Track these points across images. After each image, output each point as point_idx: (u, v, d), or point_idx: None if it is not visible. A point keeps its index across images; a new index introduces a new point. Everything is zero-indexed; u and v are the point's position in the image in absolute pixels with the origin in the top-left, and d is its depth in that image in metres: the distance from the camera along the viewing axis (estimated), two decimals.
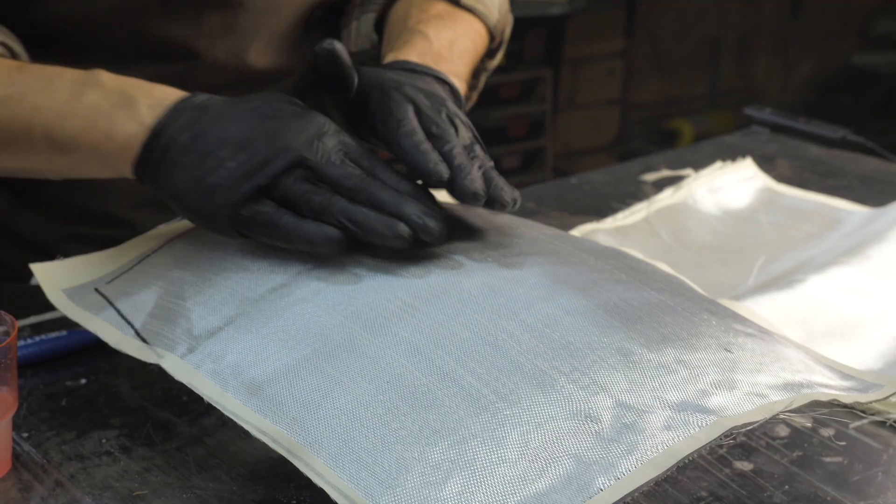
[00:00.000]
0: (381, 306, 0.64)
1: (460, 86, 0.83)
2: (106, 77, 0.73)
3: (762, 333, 0.66)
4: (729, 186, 1.14)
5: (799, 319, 0.82)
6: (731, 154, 1.22)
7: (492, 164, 0.72)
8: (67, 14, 0.85)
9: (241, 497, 0.65)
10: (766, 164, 1.24)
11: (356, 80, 0.74)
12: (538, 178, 3.18)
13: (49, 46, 0.86)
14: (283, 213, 0.66)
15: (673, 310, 0.65)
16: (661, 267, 0.79)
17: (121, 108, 0.71)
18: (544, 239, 0.74)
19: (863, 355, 0.80)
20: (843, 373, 0.66)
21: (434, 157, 0.69)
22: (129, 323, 0.69)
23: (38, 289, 0.76)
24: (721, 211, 1.10)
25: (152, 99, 0.71)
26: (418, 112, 0.72)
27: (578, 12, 3.24)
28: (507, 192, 0.69)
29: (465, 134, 0.73)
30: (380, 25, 0.98)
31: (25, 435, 0.71)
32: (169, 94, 0.71)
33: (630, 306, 0.64)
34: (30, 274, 0.76)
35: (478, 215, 0.77)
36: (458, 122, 0.73)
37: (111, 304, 0.72)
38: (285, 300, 0.66)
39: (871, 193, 1.15)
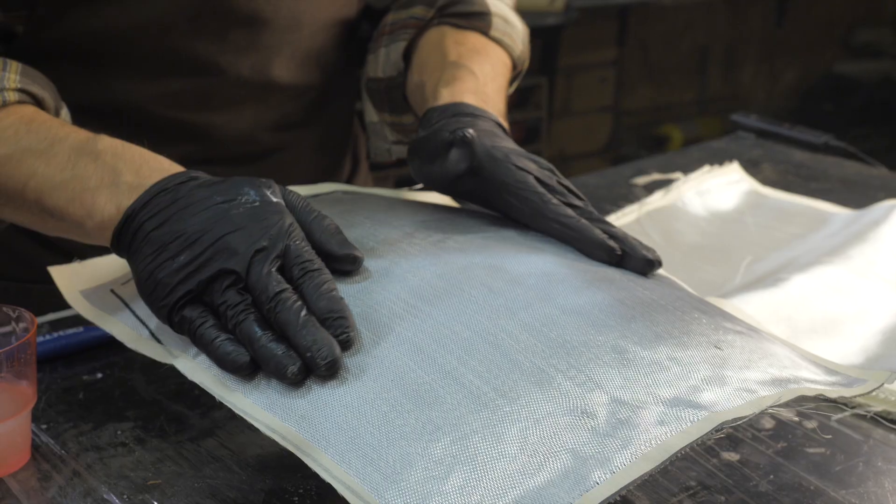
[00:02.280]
0: (384, 307, 0.63)
1: (505, 125, 0.82)
2: (104, 145, 0.70)
3: (750, 331, 0.66)
4: (716, 189, 1.14)
5: (784, 316, 0.82)
6: (719, 158, 1.22)
7: (587, 204, 0.74)
8: (98, 29, 0.84)
9: (250, 486, 0.65)
10: (752, 168, 1.24)
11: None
12: None
13: (78, 61, 0.86)
14: (205, 326, 0.62)
15: (665, 309, 0.65)
16: None
17: (105, 188, 0.68)
18: (540, 240, 0.73)
19: (845, 351, 0.79)
20: (828, 368, 0.65)
21: (599, 232, 0.70)
22: (143, 324, 0.69)
23: None
24: (709, 213, 1.10)
25: (137, 177, 0.67)
26: (540, 182, 0.73)
27: (572, 23, 3.24)
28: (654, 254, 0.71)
29: (568, 186, 0.74)
30: (407, 53, 0.96)
31: (44, 427, 0.71)
32: (153, 173, 0.67)
33: (624, 305, 0.64)
34: None
35: (475, 218, 0.76)
36: (566, 183, 0.74)
37: (126, 304, 0.71)
38: None
39: (852, 196, 1.15)
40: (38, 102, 0.77)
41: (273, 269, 0.62)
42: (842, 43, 4.26)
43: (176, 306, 0.62)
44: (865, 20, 4.29)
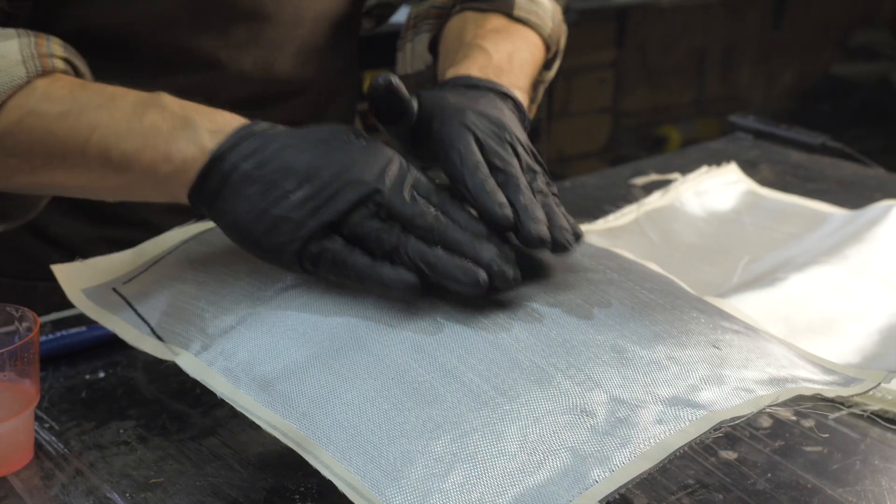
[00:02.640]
0: (385, 306, 0.63)
1: (522, 98, 0.79)
2: (168, 100, 0.68)
3: (748, 330, 0.66)
4: (714, 190, 1.14)
5: (781, 316, 0.82)
6: (717, 159, 1.22)
7: (554, 191, 0.68)
8: (101, 24, 0.84)
9: (251, 485, 0.65)
10: (750, 168, 1.24)
11: (416, 110, 0.68)
12: None
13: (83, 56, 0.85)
14: (354, 252, 0.60)
15: (663, 308, 0.65)
16: (651, 267, 0.78)
17: (181, 131, 0.65)
18: None
19: (842, 350, 0.79)
20: (826, 367, 0.65)
21: (499, 197, 0.63)
22: (145, 321, 0.69)
23: None
24: (707, 213, 1.10)
25: (214, 124, 0.66)
26: (479, 143, 0.66)
27: (571, 25, 3.22)
28: (569, 234, 0.63)
29: (528, 162, 0.67)
30: (434, 46, 0.94)
31: (47, 425, 0.71)
32: (230, 121, 0.66)
33: (623, 305, 0.64)
34: None
35: None
36: (519, 149, 0.68)
37: (128, 303, 0.71)
38: (295, 300, 0.65)
39: (849, 196, 1.15)
40: (79, 75, 0.76)
41: (418, 196, 0.61)
42: (839, 45, 4.25)
43: (309, 241, 0.60)
44: (862, 22, 4.29)
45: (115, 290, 0.73)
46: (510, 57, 0.84)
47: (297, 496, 0.63)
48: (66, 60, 0.74)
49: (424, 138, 0.68)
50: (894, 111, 4.13)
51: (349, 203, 0.60)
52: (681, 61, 3.86)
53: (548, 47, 0.94)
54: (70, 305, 0.74)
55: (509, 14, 0.91)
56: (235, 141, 0.64)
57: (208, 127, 0.65)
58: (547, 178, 0.68)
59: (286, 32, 0.91)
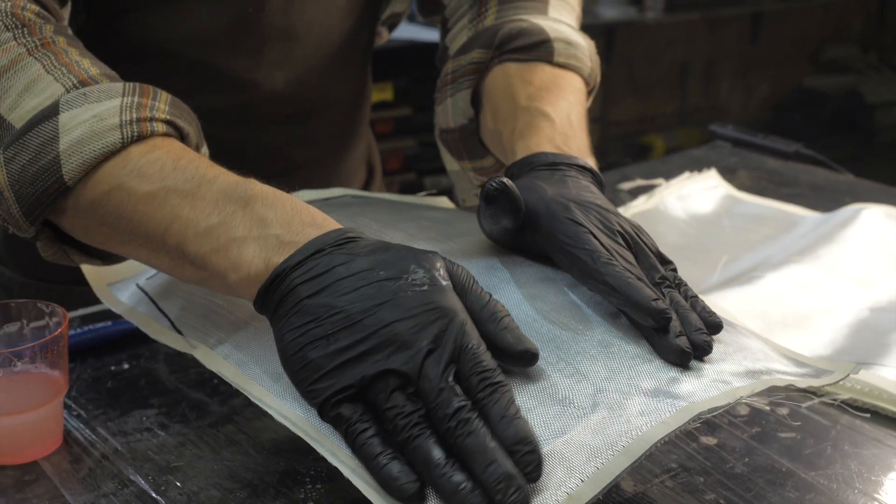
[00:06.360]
0: None
1: (591, 161, 0.72)
2: (255, 191, 0.60)
3: (726, 326, 0.65)
4: (696, 194, 1.13)
5: (758, 312, 0.82)
6: (698, 166, 1.22)
7: (673, 268, 0.64)
8: (141, 40, 0.83)
9: (265, 468, 0.65)
10: (729, 174, 1.23)
11: (523, 206, 0.63)
12: None
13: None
14: (367, 432, 0.52)
15: None
16: None
17: (253, 240, 0.57)
18: None
19: (814, 343, 0.79)
20: (798, 361, 0.65)
21: (649, 292, 0.58)
22: (166, 316, 0.68)
23: None
24: (689, 216, 1.10)
25: (288, 232, 0.57)
26: (596, 238, 0.61)
27: None
28: (704, 334, 0.59)
29: (650, 247, 0.64)
30: (475, 97, 0.84)
31: (75, 413, 0.71)
32: (305, 229, 0.57)
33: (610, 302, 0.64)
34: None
35: (473, 221, 0.76)
36: (636, 237, 0.64)
37: (150, 298, 0.71)
38: None
39: (821, 200, 1.15)
40: (183, 137, 0.67)
41: (450, 378, 0.51)
42: (811, 59, 4.26)
43: (329, 399, 0.53)
44: (833, 38, 4.30)
45: (138, 285, 0.73)
46: (569, 117, 0.77)
47: (308, 479, 0.63)
48: (170, 123, 0.65)
49: (529, 232, 0.64)
50: (863, 121, 4.13)
51: (377, 369, 0.52)
52: (665, 74, 3.86)
53: (587, 82, 0.86)
54: (98, 303, 0.74)
55: (550, 61, 0.82)
56: (301, 258, 0.55)
57: (279, 235, 0.57)
58: (657, 256, 0.64)
59: (315, 52, 0.90)
